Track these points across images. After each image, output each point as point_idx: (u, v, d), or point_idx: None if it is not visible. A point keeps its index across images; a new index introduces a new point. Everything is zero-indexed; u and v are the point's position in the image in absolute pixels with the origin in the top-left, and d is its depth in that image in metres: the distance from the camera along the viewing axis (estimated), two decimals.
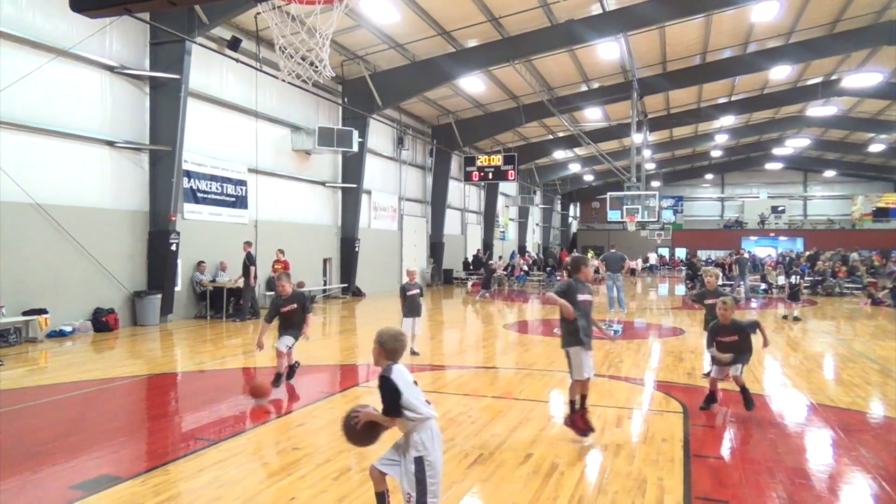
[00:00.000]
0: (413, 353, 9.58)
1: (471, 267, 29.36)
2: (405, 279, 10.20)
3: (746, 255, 25.62)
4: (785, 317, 15.69)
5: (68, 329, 11.58)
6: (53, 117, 11.57)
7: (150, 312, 13.15)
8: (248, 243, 14.74)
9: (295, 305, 7.50)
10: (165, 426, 6.16)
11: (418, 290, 9.84)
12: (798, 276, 16.07)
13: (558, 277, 28.82)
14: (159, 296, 13.32)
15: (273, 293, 8.83)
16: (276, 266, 15.09)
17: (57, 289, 11.61)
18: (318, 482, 4.55)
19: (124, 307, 12.98)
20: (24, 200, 10.94)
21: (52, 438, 5.60)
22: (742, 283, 21.54)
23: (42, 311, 11.08)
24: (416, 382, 3.40)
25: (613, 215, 24.05)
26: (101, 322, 12.16)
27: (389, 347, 3.36)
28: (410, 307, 9.70)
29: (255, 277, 14.67)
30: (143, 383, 8.13)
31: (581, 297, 5.47)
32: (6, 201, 10.68)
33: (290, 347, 7.58)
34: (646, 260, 44.06)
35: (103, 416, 6.61)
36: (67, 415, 6.61)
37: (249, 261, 14.44)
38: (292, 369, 7.77)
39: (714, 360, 6.76)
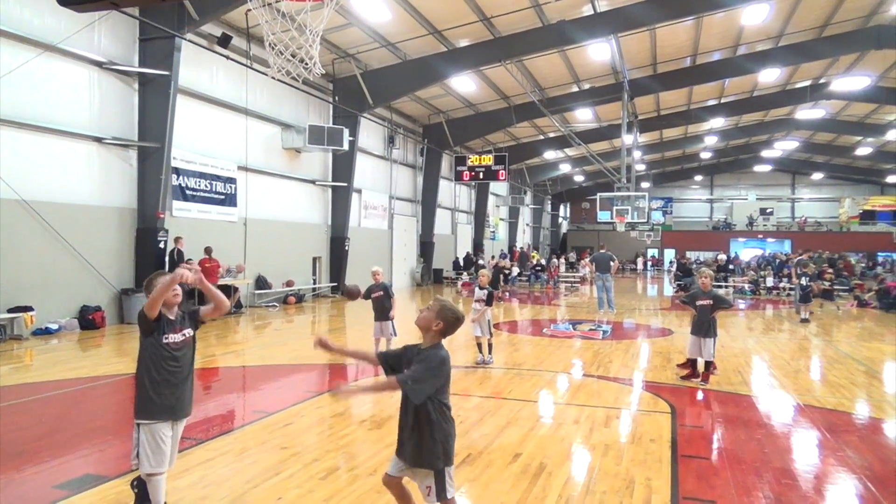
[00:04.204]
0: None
1: (461, 266, 29.36)
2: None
3: (806, 258, 19.81)
4: (803, 319, 15.32)
5: (54, 327, 11.46)
6: (41, 113, 11.45)
7: (138, 310, 12.96)
8: (178, 239, 13.77)
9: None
10: None
11: (382, 291, 8.94)
12: (808, 278, 15.70)
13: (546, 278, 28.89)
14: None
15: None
16: (206, 265, 13.70)
17: (43, 286, 11.49)
18: (306, 482, 4.53)
19: (111, 305, 12.88)
20: (10, 197, 10.83)
21: (37, 437, 5.55)
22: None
23: (28, 309, 10.96)
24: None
25: (603, 216, 24.13)
26: (88, 320, 12.04)
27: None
28: (377, 310, 9.00)
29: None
30: (130, 382, 8.03)
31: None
32: None
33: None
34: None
35: (89, 415, 6.56)
36: (52, 413, 6.54)
37: (179, 258, 13.56)
38: None
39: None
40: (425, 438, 3.22)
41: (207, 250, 14.40)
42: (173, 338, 3.85)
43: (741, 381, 8.33)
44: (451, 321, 3.32)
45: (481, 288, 9.40)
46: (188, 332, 3.97)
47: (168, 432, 3.70)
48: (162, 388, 3.69)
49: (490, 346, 9.42)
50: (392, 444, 5.35)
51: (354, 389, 3.36)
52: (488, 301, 9.23)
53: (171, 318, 3.95)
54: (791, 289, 22.49)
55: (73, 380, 7.90)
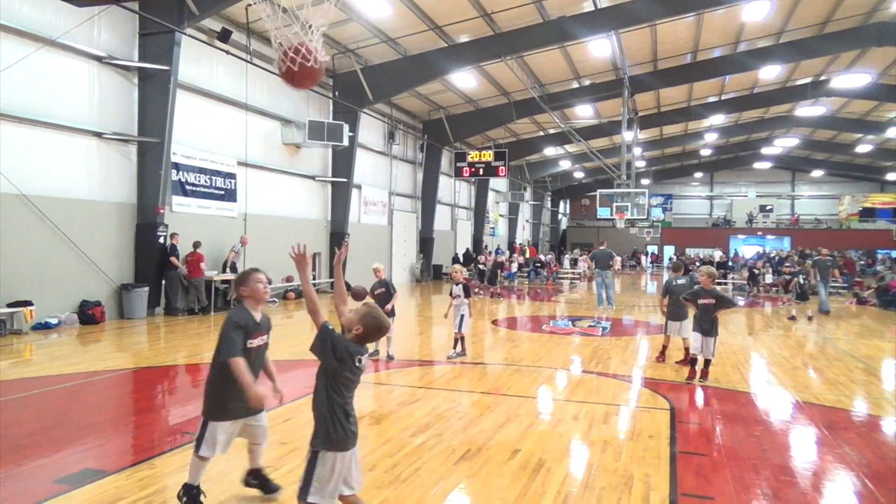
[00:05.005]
0: (389, 357, 9.08)
1: (461, 262, 29.37)
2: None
3: (828, 258, 18.23)
4: (792, 317, 15.30)
5: (54, 321, 11.47)
6: (40, 107, 11.43)
7: (137, 305, 13.05)
8: (173, 235, 13.83)
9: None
10: (151, 420, 6.12)
11: (383, 288, 9.06)
12: (805, 276, 15.64)
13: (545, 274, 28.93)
14: (146, 289, 13.23)
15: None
16: (189, 258, 14.06)
17: (43, 281, 11.49)
18: None
19: (111, 300, 12.88)
20: (9, 191, 10.82)
21: (37, 431, 5.55)
22: (823, 288, 17.22)
23: (27, 303, 10.97)
24: None
25: (603, 212, 24.09)
26: (88, 315, 12.05)
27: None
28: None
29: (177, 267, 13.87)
30: (129, 377, 8.07)
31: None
32: None
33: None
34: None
35: (89, 410, 6.56)
36: (52, 408, 6.55)
37: (172, 252, 13.69)
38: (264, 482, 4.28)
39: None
40: (315, 418, 3.34)
41: (195, 244, 14.39)
42: (255, 342, 3.91)
43: (740, 378, 8.34)
44: (372, 328, 3.39)
45: (456, 284, 9.63)
46: (265, 337, 4.02)
47: (228, 429, 3.95)
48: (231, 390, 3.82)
49: (461, 339, 9.50)
50: (390, 441, 5.39)
51: (308, 282, 3.42)
52: (466, 294, 9.46)
53: (258, 320, 3.95)
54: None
55: (72, 374, 7.90)
